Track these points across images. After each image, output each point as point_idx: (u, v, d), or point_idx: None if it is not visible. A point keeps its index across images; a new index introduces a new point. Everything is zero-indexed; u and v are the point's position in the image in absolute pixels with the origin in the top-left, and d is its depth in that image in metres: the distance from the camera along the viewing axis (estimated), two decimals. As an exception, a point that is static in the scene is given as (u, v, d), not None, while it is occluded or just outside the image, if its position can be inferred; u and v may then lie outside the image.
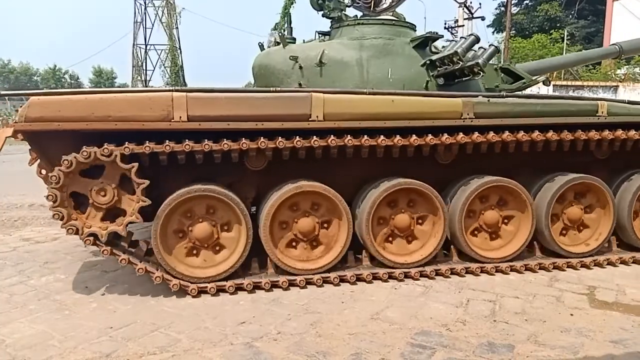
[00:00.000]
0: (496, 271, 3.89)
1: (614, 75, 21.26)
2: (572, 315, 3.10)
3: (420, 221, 3.90)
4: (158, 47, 33.68)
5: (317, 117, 3.45)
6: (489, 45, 4.39)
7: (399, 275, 3.73)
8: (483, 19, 26.63)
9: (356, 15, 4.72)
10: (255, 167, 3.74)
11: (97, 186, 3.31)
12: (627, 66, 21.95)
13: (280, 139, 3.43)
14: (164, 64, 32.97)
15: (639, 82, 20.05)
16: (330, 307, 3.24)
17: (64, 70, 59.76)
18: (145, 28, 34.02)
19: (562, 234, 4.15)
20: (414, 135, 3.68)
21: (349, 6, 4.63)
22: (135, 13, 34.30)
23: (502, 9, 32.56)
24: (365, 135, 3.58)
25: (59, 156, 3.22)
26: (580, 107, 3.99)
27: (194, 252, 3.56)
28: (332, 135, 3.51)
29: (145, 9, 33.51)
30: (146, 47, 34.08)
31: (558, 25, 28.35)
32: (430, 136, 3.70)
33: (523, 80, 4.85)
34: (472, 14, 25.19)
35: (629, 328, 2.90)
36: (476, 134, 3.77)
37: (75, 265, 4.17)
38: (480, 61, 4.07)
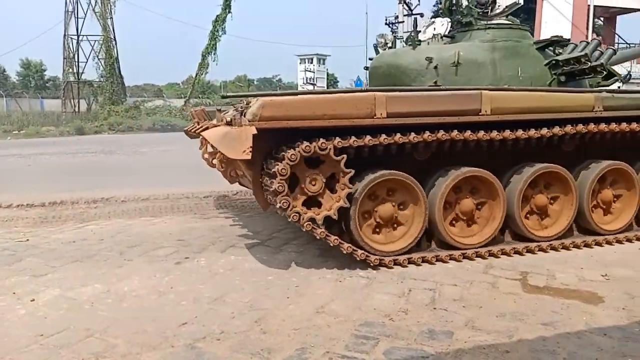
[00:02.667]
0: (549, 248, 4.30)
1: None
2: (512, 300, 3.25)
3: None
4: (91, 38, 31.98)
5: (485, 111, 3.88)
6: (606, 49, 4.95)
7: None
8: (422, 15, 27.28)
9: (485, 21, 5.13)
10: (420, 158, 4.09)
11: (310, 176, 3.62)
12: None
13: (455, 131, 3.86)
14: (97, 56, 31.31)
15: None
16: (275, 302, 3.22)
17: (-13, 62, 55.47)
18: (77, 18, 32.19)
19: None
20: (556, 126, 4.15)
21: (480, 13, 5.10)
22: (66, 2, 32.43)
23: (440, 6, 33.57)
24: (520, 129, 4.06)
25: (270, 149, 3.63)
26: None
27: (377, 230, 3.98)
28: (496, 130, 3.99)
29: (77, -3, 31.73)
30: (78, 38, 32.27)
31: (492, 22, 29.57)
32: (569, 126, 4.18)
33: (615, 77, 5.20)
34: (411, 10, 25.76)
35: (559, 310, 3.08)
36: (603, 124, 4.32)
37: (1, 271, 3.89)
38: (603, 61, 4.68)
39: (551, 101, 4.15)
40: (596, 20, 25.74)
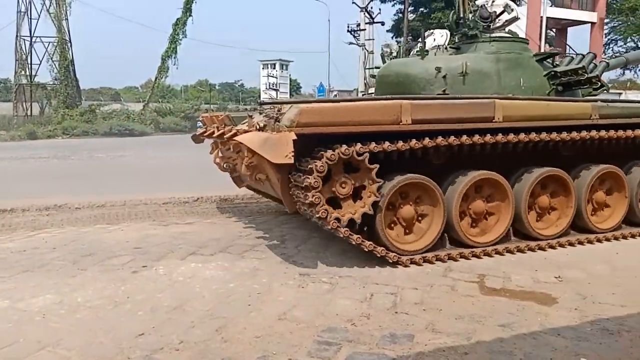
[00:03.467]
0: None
1: None
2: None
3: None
4: (45, 40, 30.78)
5: (498, 118, 4.19)
6: (600, 62, 5.49)
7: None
8: (383, 24, 27.87)
9: (489, 34, 5.46)
10: (437, 162, 4.33)
11: (342, 179, 3.84)
12: None
13: (477, 136, 4.16)
14: (51, 58, 30.15)
15: None
16: (236, 310, 3.17)
17: None
18: (31, 19, 30.93)
19: None
20: (561, 132, 4.51)
21: (485, 26, 5.41)
22: (18, 2, 31.14)
23: (400, 15, 34.23)
24: (532, 132, 4.38)
25: (298, 153, 3.66)
26: None
27: (406, 231, 4.24)
28: (511, 134, 4.31)
29: (30, -3, 30.49)
30: (31, 39, 31.02)
31: (450, 32, 30.37)
32: (574, 132, 4.58)
33: (604, 87, 5.53)
34: (372, 18, 26.19)
35: (515, 312, 3.16)
36: (601, 131, 4.73)
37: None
38: (597, 73, 5.16)
39: (555, 109, 4.55)
40: (548, 31, 26.85)
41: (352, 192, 3.91)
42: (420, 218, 4.25)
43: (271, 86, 68.63)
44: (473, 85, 5.01)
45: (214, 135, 4.88)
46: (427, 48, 5.49)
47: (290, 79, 77.85)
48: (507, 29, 5.64)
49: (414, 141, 3.95)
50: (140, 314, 3.11)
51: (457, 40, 5.62)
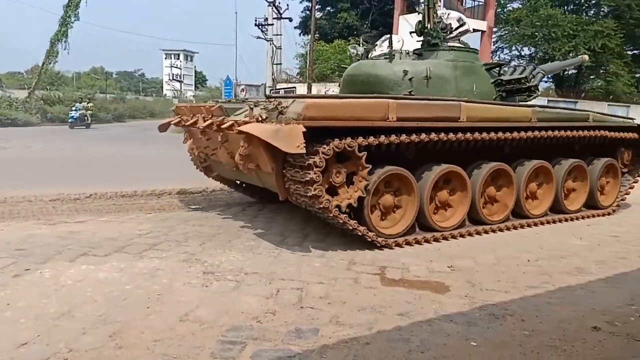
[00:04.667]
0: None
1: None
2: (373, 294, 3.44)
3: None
4: None
5: (463, 119, 4.82)
6: (537, 73, 6.33)
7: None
8: (291, 20, 27.94)
9: (450, 44, 6.09)
10: (410, 156, 4.84)
11: (337, 169, 4.20)
12: None
13: (451, 133, 4.75)
14: None
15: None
16: (133, 314, 2.98)
17: None
18: None
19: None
20: (506, 132, 5.21)
21: (444, 35, 6.02)
22: None
23: (308, 12, 34.56)
24: (491, 132, 5.08)
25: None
26: (577, 115, 6.09)
27: (383, 217, 4.73)
28: (475, 132, 4.97)
29: None
30: None
31: (355, 32, 31.22)
32: (516, 132, 5.29)
33: (537, 94, 6.48)
34: (280, 14, 26.11)
35: (412, 301, 3.33)
36: (540, 132, 5.51)
37: None
38: (536, 83, 6.12)
39: (506, 112, 5.29)
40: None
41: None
42: (395, 209, 4.77)
43: (175, 77, 65.95)
44: (435, 89, 5.52)
45: (203, 125, 4.92)
46: (384, 51, 5.97)
47: (195, 71, 75.40)
48: (459, 40, 6.37)
49: (403, 136, 4.47)
50: (22, 322, 2.81)
51: (419, 47, 6.14)
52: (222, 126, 4.48)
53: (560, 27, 23.37)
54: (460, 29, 6.19)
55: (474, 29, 28.85)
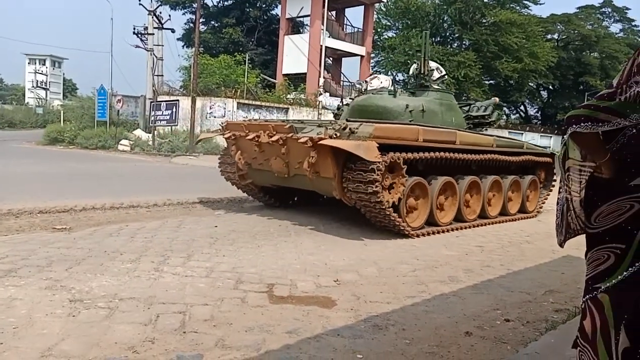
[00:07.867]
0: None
1: (285, 99, 24.70)
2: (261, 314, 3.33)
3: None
4: None
5: (458, 142, 6.64)
6: (494, 110, 8.65)
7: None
8: (173, 31, 26.94)
9: (439, 87, 8.30)
10: (420, 168, 6.39)
11: (386, 175, 5.71)
12: (295, 92, 25.91)
13: (450, 153, 6.52)
14: None
15: (303, 107, 23.94)
16: (-20, 353, 2.55)
17: None
18: None
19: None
20: (478, 154, 7.09)
21: (433, 81, 8.18)
22: None
23: (192, 24, 33.70)
24: (474, 153, 7.00)
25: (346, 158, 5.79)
26: (517, 143, 8.58)
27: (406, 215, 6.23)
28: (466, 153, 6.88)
29: None
30: None
31: (241, 49, 31.11)
32: (485, 155, 7.19)
33: (494, 126, 9.25)
34: (162, 24, 25.05)
35: (301, 317, 3.30)
36: (498, 155, 7.51)
37: None
38: (494, 119, 8.61)
39: (480, 140, 7.30)
40: (327, 59, 29.85)
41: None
42: (413, 209, 6.33)
43: (39, 84, 59.89)
44: (428, 119, 7.16)
45: (271, 140, 6.16)
46: (374, 88, 7.72)
47: (64, 79, 69.29)
48: (438, 83, 8.32)
49: (428, 152, 6.19)
50: None
51: (410, 87, 8.27)
52: (300, 141, 5.71)
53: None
54: (442, 77, 8.43)
55: (355, 53, 30.54)
